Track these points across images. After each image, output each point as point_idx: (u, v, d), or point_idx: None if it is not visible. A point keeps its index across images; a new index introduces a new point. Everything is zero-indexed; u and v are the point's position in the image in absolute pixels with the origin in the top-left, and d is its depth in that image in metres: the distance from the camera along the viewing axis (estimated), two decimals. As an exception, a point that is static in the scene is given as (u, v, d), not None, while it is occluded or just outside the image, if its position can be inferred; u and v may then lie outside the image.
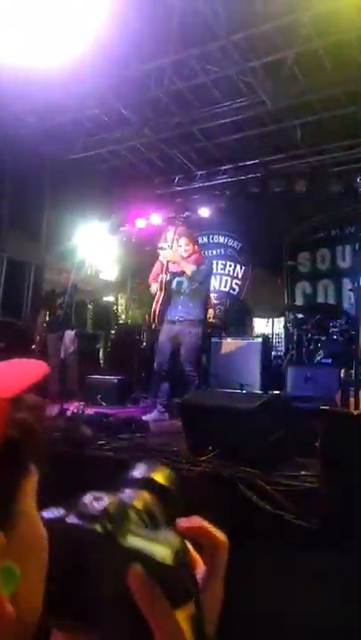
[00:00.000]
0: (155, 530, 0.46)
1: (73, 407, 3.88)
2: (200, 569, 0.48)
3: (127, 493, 0.49)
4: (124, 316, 9.70)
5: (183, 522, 0.48)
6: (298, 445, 2.51)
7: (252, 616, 1.41)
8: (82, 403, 4.45)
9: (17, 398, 0.41)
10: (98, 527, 0.42)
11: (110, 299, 9.47)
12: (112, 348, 7.90)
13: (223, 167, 8.05)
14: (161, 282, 4.65)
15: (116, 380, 5.38)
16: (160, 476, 0.52)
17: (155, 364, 4.65)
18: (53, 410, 4.11)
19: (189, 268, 4.40)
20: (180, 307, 4.55)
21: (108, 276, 9.63)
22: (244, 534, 1.98)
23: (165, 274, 4.63)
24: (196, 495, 2.33)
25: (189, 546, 0.47)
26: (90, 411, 3.94)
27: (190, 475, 2.39)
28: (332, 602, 1.50)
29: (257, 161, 7.73)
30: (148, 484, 0.51)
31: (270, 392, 4.45)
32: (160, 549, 0.42)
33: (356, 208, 6.80)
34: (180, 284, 4.61)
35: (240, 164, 7.91)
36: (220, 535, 0.49)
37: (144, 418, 4.11)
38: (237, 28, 5.34)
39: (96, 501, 0.44)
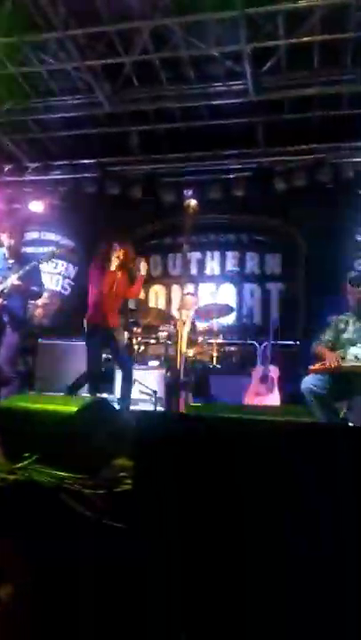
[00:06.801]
0: None
1: None
2: None
3: None
4: None
5: None
6: (121, 448, 2.52)
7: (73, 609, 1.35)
8: None
9: None
10: None
11: None
12: None
13: (58, 162, 7.81)
14: None
15: None
16: None
17: None
18: None
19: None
20: None
21: None
22: (63, 538, 1.90)
23: None
24: (12, 504, 2.18)
25: None
26: None
27: (5, 484, 2.23)
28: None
29: (94, 161, 7.67)
30: None
31: (96, 395, 4.42)
32: None
33: (183, 219, 7.15)
34: None
35: (76, 162, 7.76)
36: None
37: None
38: (76, 23, 5.24)
39: None
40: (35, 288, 4.23)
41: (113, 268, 4.60)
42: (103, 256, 4.63)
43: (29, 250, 7.99)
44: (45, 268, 8.13)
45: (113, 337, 4.50)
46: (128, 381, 4.47)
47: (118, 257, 4.60)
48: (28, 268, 4.10)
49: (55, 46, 5.59)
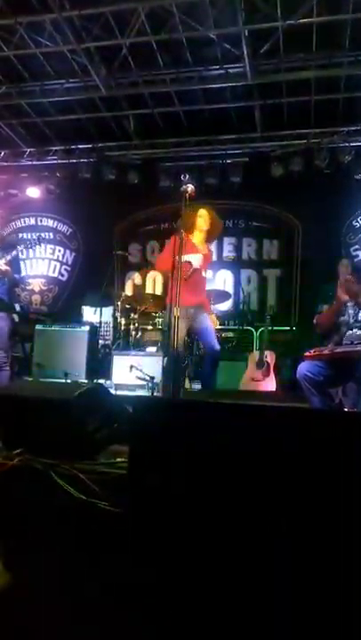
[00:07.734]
0: None
1: None
2: None
3: None
4: None
5: None
6: (117, 433, 2.55)
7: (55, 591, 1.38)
8: None
9: None
10: None
11: None
12: None
13: (54, 147, 7.75)
14: None
15: None
16: None
17: None
18: None
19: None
20: None
21: None
22: (60, 524, 1.94)
23: None
24: (10, 489, 2.21)
25: None
26: None
27: (3, 469, 2.26)
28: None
29: (90, 146, 7.61)
30: None
31: (94, 381, 4.45)
32: None
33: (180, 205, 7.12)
34: None
35: (72, 147, 7.70)
36: None
37: None
38: (71, 4, 5.15)
39: None
40: (16, 275, 4.23)
41: (196, 239, 3.92)
42: (189, 225, 3.91)
43: (26, 235, 7.98)
44: (42, 254, 8.14)
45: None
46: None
47: (206, 224, 3.95)
48: (14, 253, 4.10)
49: (51, 28, 5.50)
